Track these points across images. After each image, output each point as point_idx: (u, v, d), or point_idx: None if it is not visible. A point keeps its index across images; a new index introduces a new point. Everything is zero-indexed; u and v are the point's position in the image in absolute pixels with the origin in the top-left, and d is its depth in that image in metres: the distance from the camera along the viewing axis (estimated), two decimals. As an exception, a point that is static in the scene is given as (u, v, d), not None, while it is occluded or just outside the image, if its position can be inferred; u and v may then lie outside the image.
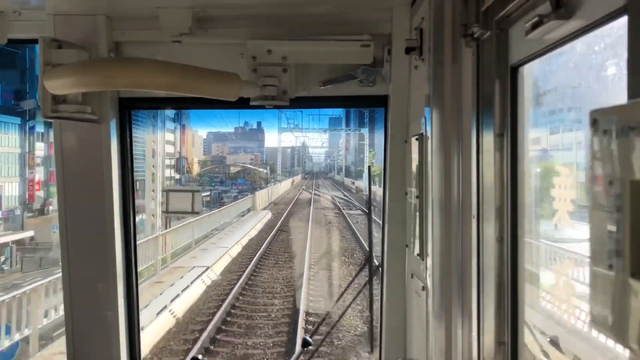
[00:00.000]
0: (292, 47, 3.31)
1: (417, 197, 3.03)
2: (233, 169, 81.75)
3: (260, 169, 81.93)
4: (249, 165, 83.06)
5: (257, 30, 3.33)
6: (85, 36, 3.27)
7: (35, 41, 3.10)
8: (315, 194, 55.37)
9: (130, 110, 3.62)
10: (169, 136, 61.09)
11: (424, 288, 2.86)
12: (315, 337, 9.01)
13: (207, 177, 73.93)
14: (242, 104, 3.25)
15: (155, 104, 3.89)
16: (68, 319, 3.52)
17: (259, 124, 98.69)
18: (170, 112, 52.63)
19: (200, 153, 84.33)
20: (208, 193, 55.75)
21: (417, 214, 3.03)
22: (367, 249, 8.16)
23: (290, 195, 59.68)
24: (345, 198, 51.02)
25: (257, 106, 3.34)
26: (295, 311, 15.31)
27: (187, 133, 68.07)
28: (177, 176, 63.28)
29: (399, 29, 3.29)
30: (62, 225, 3.46)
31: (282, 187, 68.77)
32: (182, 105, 3.87)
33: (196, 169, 73.99)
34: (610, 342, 1.50)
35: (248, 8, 3.35)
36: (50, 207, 40.09)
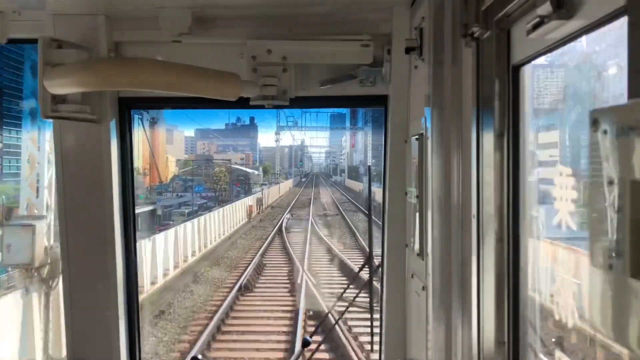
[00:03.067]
0: (292, 47, 3.31)
1: (417, 197, 3.03)
2: (218, 170, 61.02)
3: (245, 169, 65.97)
4: (234, 166, 65.70)
5: (257, 30, 3.33)
6: (85, 36, 3.26)
7: (35, 41, 3.09)
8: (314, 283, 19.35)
9: (130, 110, 3.62)
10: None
11: (424, 288, 2.86)
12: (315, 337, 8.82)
13: (180, 181, 56.08)
14: (242, 103, 3.26)
15: (155, 103, 3.89)
16: (68, 319, 3.51)
17: (251, 119, 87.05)
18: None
19: (181, 152, 70.59)
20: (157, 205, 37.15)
21: (417, 213, 3.02)
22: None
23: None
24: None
25: (257, 106, 3.34)
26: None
27: (156, 128, 51.96)
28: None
29: (398, 29, 3.29)
30: (62, 225, 3.46)
31: (221, 227, 29.57)
32: (182, 105, 3.87)
33: (169, 171, 55.74)
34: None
35: (248, 8, 3.35)
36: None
